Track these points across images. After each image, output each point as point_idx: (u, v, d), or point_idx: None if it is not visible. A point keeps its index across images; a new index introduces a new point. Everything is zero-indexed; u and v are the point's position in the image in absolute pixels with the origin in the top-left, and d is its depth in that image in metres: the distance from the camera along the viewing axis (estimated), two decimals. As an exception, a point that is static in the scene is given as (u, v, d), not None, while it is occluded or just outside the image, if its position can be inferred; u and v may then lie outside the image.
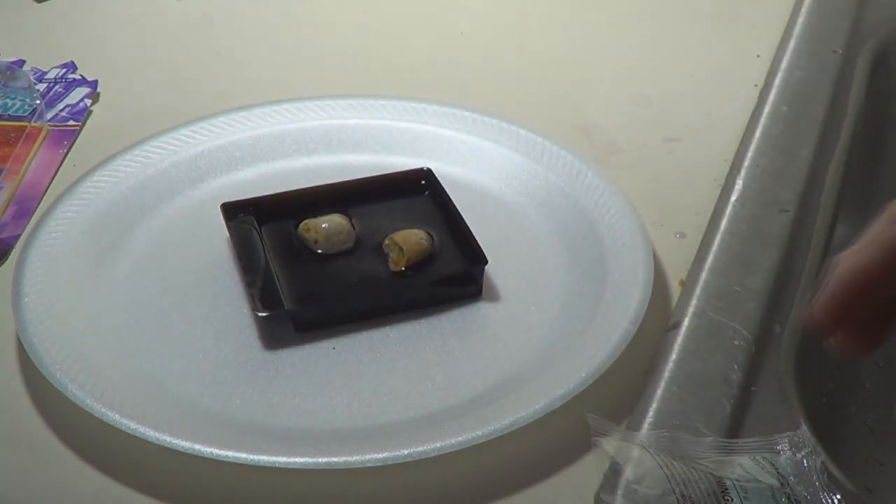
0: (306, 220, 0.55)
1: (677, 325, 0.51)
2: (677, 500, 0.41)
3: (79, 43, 0.78)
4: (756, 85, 0.71)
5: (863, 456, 0.60)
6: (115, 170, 0.59)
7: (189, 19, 0.81)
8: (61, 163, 0.64)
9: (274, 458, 0.42)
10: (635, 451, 0.43)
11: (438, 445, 0.43)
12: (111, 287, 0.54)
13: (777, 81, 0.70)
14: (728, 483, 0.42)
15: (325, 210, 0.56)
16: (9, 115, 0.67)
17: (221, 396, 0.48)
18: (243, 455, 0.42)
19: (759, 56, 0.75)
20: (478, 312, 0.53)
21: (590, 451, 0.46)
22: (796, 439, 0.44)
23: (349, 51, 0.76)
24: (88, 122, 0.68)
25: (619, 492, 0.43)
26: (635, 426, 0.46)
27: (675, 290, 0.54)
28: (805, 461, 0.43)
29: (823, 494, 0.43)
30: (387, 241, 0.54)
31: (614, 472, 0.44)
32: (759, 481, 0.42)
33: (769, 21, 0.79)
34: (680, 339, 0.50)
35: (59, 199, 0.56)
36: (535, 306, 0.53)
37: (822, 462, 0.44)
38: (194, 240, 0.57)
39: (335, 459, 0.42)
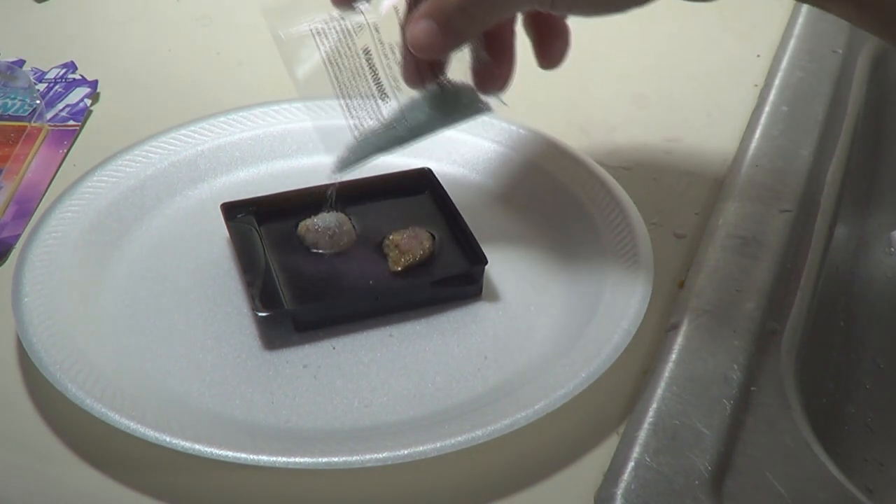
0: (306, 220, 0.55)
1: (677, 325, 0.51)
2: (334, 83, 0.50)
3: (79, 43, 0.78)
4: (756, 85, 0.71)
5: (863, 456, 0.60)
6: (115, 170, 0.59)
7: (189, 19, 0.81)
8: (61, 163, 0.64)
9: (274, 458, 0.42)
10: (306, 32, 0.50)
11: (438, 445, 0.43)
12: (111, 287, 0.54)
13: (777, 81, 0.70)
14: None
15: (325, 210, 0.56)
16: (9, 115, 0.67)
17: (221, 396, 0.48)
18: (243, 455, 0.42)
19: (759, 56, 0.75)
20: (478, 312, 0.53)
21: (590, 451, 0.46)
22: None
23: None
24: (88, 122, 0.68)
25: (619, 492, 0.43)
26: (635, 426, 0.46)
27: (675, 291, 0.54)
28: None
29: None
30: (387, 241, 0.54)
31: (614, 472, 0.44)
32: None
33: (769, 21, 0.79)
34: (680, 339, 0.50)
35: (59, 199, 0.56)
36: (535, 306, 0.53)
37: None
38: (194, 240, 0.57)
39: (335, 459, 0.42)
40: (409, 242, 0.53)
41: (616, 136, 0.67)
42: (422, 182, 0.59)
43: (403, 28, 0.49)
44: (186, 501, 0.44)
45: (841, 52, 0.74)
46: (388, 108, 0.51)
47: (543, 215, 0.58)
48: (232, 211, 0.56)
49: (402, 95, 0.51)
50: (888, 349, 0.67)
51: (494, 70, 0.51)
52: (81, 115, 0.68)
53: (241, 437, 0.44)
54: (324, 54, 0.50)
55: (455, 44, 0.48)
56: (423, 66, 0.50)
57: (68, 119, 0.68)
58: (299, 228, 0.55)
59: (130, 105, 0.70)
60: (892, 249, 0.74)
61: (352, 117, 0.51)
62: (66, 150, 0.65)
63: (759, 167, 0.62)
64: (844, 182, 0.64)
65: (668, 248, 0.57)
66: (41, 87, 0.71)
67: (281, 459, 0.42)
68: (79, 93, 0.70)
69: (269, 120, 0.63)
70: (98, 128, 0.68)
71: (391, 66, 0.50)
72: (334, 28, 0.50)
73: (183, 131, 0.62)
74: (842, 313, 0.68)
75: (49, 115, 0.68)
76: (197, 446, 0.43)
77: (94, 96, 0.70)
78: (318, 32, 0.50)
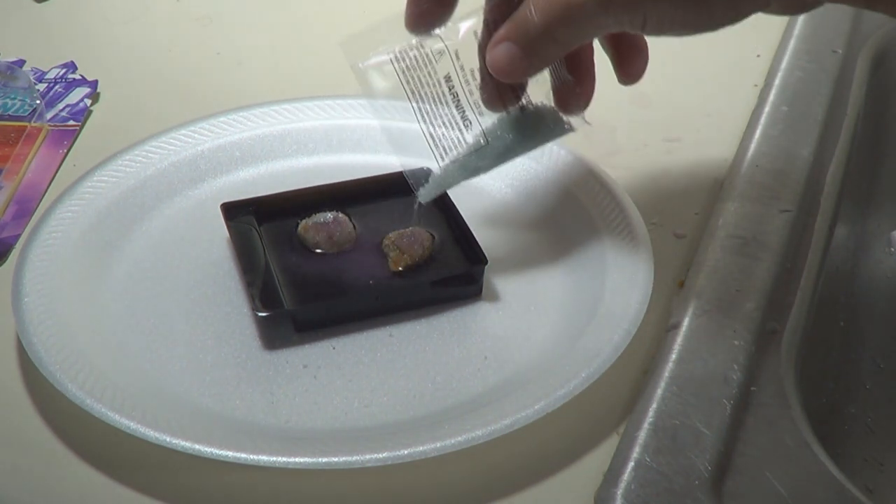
0: (306, 220, 0.55)
1: (677, 325, 0.51)
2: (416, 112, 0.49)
3: (79, 43, 0.78)
4: (756, 85, 0.71)
5: (863, 456, 0.60)
6: (115, 170, 0.59)
7: (189, 19, 0.81)
8: (61, 163, 0.64)
9: (274, 458, 0.42)
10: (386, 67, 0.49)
11: (438, 445, 0.43)
12: (111, 287, 0.54)
13: (777, 81, 0.70)
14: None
15: (325, 210, 0.56)
16: (9, 115, 0.67)
17: (221, 396, 0.48)
18: (243, 455, 0.42)
19: (759, 56, 0.75)
20: (478, 312, 0.53)
21: (590, 451, 0.46)
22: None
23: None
24: (88, 122, 0.68)
25: (619, 492, 0.43)
26: (635, 426, 0.46)
27: (675, 291, 0.54)
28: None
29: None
30: (387, 241, 0.54)
31: (614, 472, 0.44)
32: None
33: (769, 21, 0.78)
34: (680, 339, 0.50)
35: (59, 199, 0.56)
36: (535, 306, 0.53)
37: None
38: (194, 240, 0.57)
39: (335, 459, 0.42)
40: (409, 242, 0.53)
41: (616, 136, 0.67)
42: (422, 182, 0.58)
43: (483, 51, 0.48)
44: (186, 501, 0.44)
45: (841, 52, 0.74)
46: (472, 135, 0.50)
47: (543, 215, 0.58)
48: (232, 211, 0.56)
49: (484, 121, 0.50)
50: (888, 349, 0.67)
51: (577, 89, 0.50)
52: (81, 115, 0.68)
53: (241, 437, 0.44)
54: (405, 83, 0.49)
55: (538, 67, 0.47)
56: (504, 89, 0.49)
57: (68, 119, 0.68)
58: (299, 228, 0.55)
59: (130, 105, 0.70)
60: (892, 249, 0.74)
61: (436, 146, 0.50)
62: (66, 150, 0.65)
63: (759, 167, 0.62)
64: (844, 182, 0.64)
65: (668, 248, 0.57)
66: (41, 87, 0.71)
67: (281, 459, 0.42)
68: (79, 93, 0.70)
69: (269, 120, 0.63)
70: (98, 128, 0.68)
71: (472, 91, 0.50)
72: (413, 56, 0.49)
73: (183, 131, 0.62)
74: (842, 313, 0.68)
75: (49, 115, 0.68)
76: (197, 446, 0.43)
77: (94, 96, 0.70)
78: (398, 60, 0.49)
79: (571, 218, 0.57)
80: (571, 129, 0.52)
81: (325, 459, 0.42)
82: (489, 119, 0.50)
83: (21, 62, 0.74)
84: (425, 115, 0.50)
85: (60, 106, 0.69)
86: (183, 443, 0.43)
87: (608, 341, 0.48)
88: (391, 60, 0.49)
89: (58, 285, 0.51)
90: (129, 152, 0.60)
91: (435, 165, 0.51)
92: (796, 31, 0.76)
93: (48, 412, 0.48)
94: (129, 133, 0.62)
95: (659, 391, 0.47)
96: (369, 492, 0.45)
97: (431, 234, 0.54)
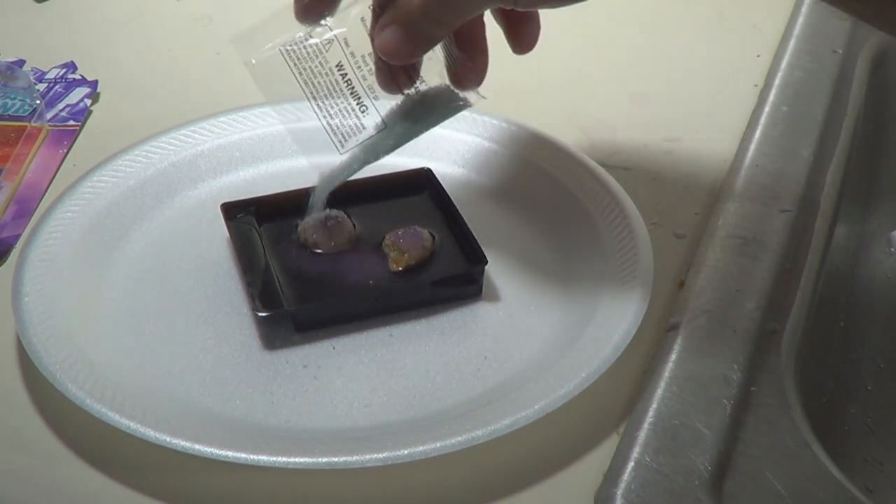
0: (306, 220, 0.55)
1: (677, 326, 0.51)
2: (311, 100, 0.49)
3: (79, 43, 0.78)
4: (756, 85, 0.71)
5: (863, 456, 0.60)
6: (115, 170, 0.59)
7: (189, 19, 0.81)
8: (61, 163, 0.64)
9: (274, 458, 0.42)
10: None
11: (438, 445, 0.43)
12: (111, 287, 0.54)
13: (777, 81, 0.70)
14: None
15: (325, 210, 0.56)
16: (9, 115, 0.67)
17: (221, 396, 0.48)
18: (243, 455, 0.42)
19: (759, 56, 0.75)
20: (478, 312, 0.53)
21: (590, 451, 0.46)
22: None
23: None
24: (88, 122, 0.68)
25: (619, 492, 0.43)
26: (635, 426, 0.46)
27: (675, 291, 0.54)
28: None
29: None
30: (387, 241, 0.54)
31: (614, 472, 0.44)
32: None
33: (769, 21, 0.79)
34: (680, 339, 0.50)
35: (59, 199, 0.56)
36: (535, 306, 0.53)
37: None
38: (194, 240, 0.57)
39: (335, 459, 0.42)
40: (409, 242, 0.53)
41: (616, 136, 0.67)
42: (421, 182, 0.58)
43: (372, 37, 0.49)
44: (186, 501, 0.44)
45: (841, 52, 0.74)
46: (369, 120, 0.50)
47: (543, 215, 0.58)
48: (232, 211, 0.56)
49: (380, 105, 0.50)
50: (888, 349, 0.67)
51: (468, 64, 0.51)
52: (81, 115, 0.68)
53: (241, 437, 0.44)
54: (297, 75, 0.49)
55: (423, 48, 0.48)
56: (397, 71, 0.50)
57: (68, 119, 0.68)
58: (299, 228, 0.55)
59: (130, 105, 0.70)
60: (892, 249, 0.74)
61: (334, 134, 0.50)
62: (66, 150, 0.65)
63: (759, 167, 0.62)
64: (844, 182, 0.64)
65: (668, 248, 0.57)
66: (41, 87, 0.71)
67: (281, 459, 0.42)
68: (79, 93, 0.70)
69: (268, 120, 0.63)
70: (98, 128, 0.68)
71: (366, 76, 0.50)
72: (304, 47, 0.49)
73: (183, 131, 0.62)
74: (842, 313, 0.68)
75: (49, 115, 0.68)
76: (197, 446, 0.43)
77: (94, 96, 0.70)
78: (288, 53, 0.49)
79: (571, 218, 0.57)
80: (467, 104, 0.52)
81: (325, 459, 0.42)
82: (386, 103, 0.51)
83: (21, 62, 0.74)
84: (321, 105, 0.50)
85: (60, 106, 0.69)
86: (183, 443, 0.43)
87: (608, 341, 0.48)
88: (281, 53, 0.49)
89: (58, 285, 0.51)
90: (129, 152, 0.60)
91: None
92: (796, 31, 0.76)
93: (48, 412, 0.48)
94: (129, 133, 0.62)
95: (659, 391, 0.47)
96: (369, 492, 0.45)
97: (431, 234, 0.55)
